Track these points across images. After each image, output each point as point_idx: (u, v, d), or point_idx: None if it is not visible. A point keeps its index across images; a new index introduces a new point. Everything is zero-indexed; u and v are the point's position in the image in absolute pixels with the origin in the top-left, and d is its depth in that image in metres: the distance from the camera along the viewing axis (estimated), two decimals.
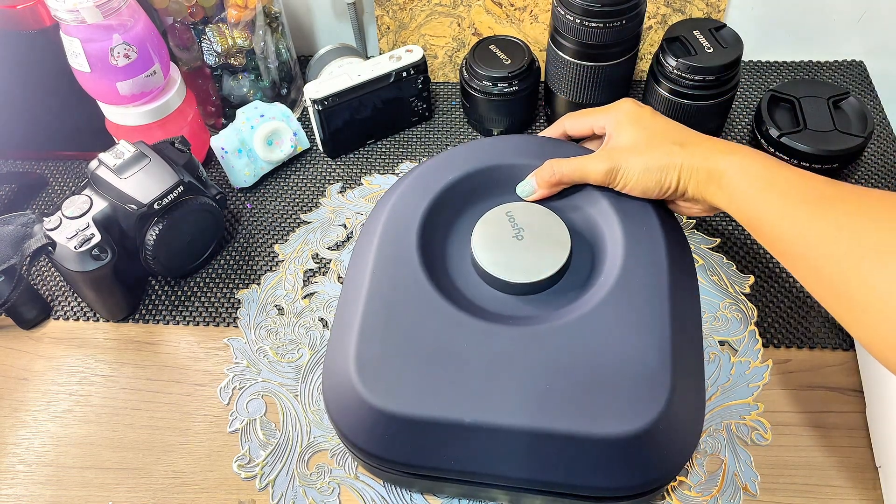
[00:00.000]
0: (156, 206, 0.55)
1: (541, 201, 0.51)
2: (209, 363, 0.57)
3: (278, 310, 0.60)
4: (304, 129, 0.71)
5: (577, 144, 0.54)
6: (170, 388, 0.56)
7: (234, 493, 0.50)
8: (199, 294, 0.61)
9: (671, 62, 0.61)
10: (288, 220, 0.66)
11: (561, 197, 0.52)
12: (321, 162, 0.71)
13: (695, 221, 0.64)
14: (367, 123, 0.70)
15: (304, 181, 0.70)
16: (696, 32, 0.62)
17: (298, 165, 0.71)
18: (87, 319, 0.60)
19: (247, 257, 0.64)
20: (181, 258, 0.60)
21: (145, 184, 0.55)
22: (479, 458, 0.42)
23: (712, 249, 0.62)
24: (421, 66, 0.69)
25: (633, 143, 0.47)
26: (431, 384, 0.42)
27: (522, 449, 0.41)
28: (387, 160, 0.71)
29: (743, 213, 0.43)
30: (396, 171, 0.70)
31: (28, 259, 0.54)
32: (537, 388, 0.42)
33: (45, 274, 0.64)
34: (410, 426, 0.42)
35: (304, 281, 0.62)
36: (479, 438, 0.41)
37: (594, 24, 0.59)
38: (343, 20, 0.80)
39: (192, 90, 0.70)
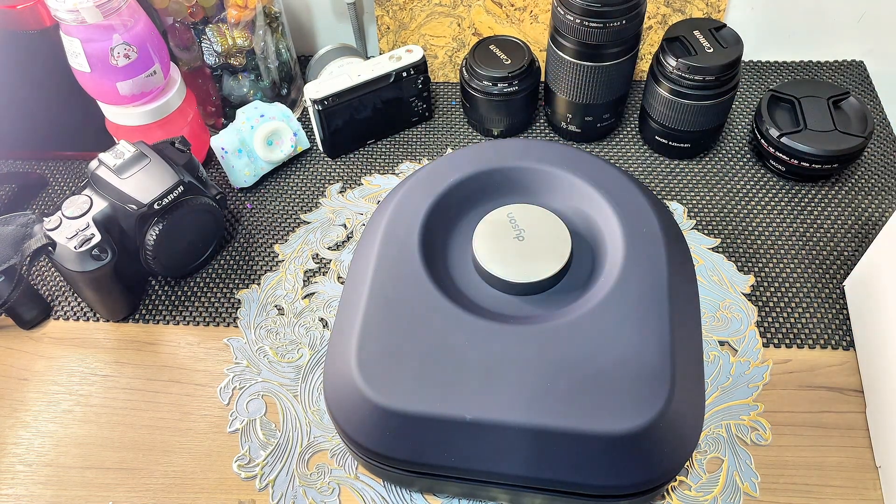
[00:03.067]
0: (156, 206, 0.55)
1: (541, 202, 0.51)
2: (209, 363, 0.57)
3: (278, 310, 0.60)
4: (304, 129, 0.71)
5: (583, 150, 0.54)
6: (170, 389, 0.56)
7: (234, 493, 0.50)
8: (199, 294, 0.61)
9: (671, 62, 0.61)
10: (288, 221, 0.66)
11: (561, 198, 0.52)
12: (321, 162, 0.71)
13: (695, 222, 0.64)
14: (367, 123, 0.70)
15: (304, 181, 0.70)
16: (696, 32, 0.62)
17: (298, 165, 0.71)
18: (87, 319, 0.60)
19: (247, 257, 0.64)
20: (181, 258, 0.60)
21: (145, 184, 0.55)
22: (479, 456, 0.42)
23: (712, 249, 0.62)
24: (421, 66, 0.69)
25: None
26: (433, 381, 0.43)
27: (523, 446, 0.41)
28: (387, 160, 0.71)
29: None
30: (396, 172, 0.70)
31: (28, 259, 0.54)
32: (538, 385, 0.42)
33: (45, 274, 0.64)
34: (411, 423, 0.42)
35: (304, 281, 0.62)
36: (480, 435, 0.42)
37: (594, 24, 0.59)
38: (343, 20, 0.80)
39: (193, 90, 0.70)
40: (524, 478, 0.42)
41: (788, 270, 0.60)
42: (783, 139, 0.63)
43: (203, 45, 0.67)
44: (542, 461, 0.41)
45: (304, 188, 0.69)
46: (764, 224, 0.63)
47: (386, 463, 0.44)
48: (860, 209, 0.64)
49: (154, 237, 0.56)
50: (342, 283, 0.61)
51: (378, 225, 0.51)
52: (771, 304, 0.58)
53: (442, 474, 0.44)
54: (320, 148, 0.72)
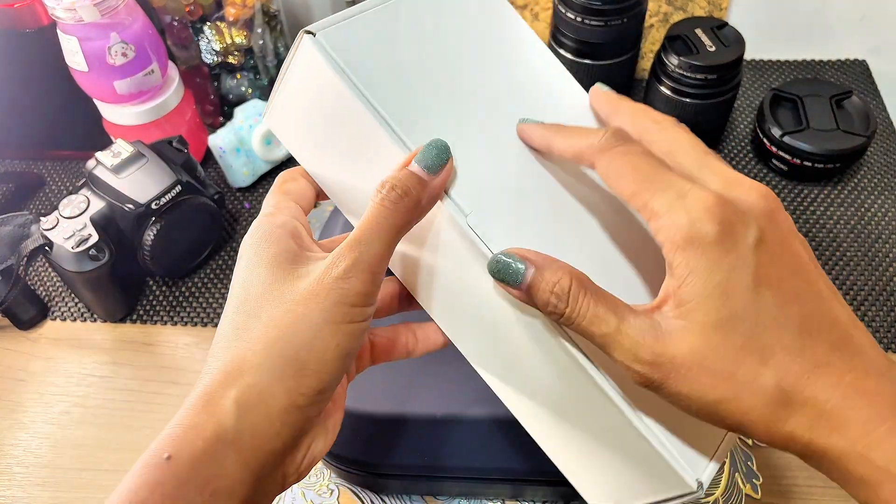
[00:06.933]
0: (153, 206, 0.55)
1: None
2: None
3: None
4: None
5: None
6: (167, 389, 0.55)
7: None
8: (196, 294, 0.61)
9: (673, 61, 0.61)
10: None
11: None
12: None
13: None
14: None
15: None
16: (697, 31, 0.62)
17: (297, 164, 0.70)
18: (85, 320, 0.60)
19: None
20: (179, 258, 0.60)
21: (143, 183, 0.55)
22: (448, 451, 0.42)
23: None
24: None
25: (700, 347, 0.25)
26: (397, 382, 0.43)
27: (494, 438, 0.42)
28: None
29: None
30: None
31: (25, 259, 0.54)
32: None
33: (43, 274, 0.64)
34: (384, 424, 0.42)
35: None
36: (451, 431, 0.42)
37: (595, 23, 0.59)
38: None
39: (190, 89, 0.69)
40: (494, 469, 0.43)
41: None
42: (785, 138, 0.62)
43: (201, 43, 0.67)
44: (505, 451, 0.42)
45: None
46: None
47: (359, 468, 0.44)
48: (863, 209, 0.63)
49: (152, 237, 0.55)
50: None
51: None
52: None
53: (410, 474, 0.44)
54: None
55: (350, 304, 0.26)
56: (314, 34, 0.28)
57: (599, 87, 0.33)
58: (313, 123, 0.31)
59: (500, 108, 0.32)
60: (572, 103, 0.34)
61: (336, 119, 0.29)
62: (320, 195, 0.33)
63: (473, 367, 0.32)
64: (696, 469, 0.29)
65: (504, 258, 0.27)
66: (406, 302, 0.33)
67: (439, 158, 0.27)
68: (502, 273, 0.27)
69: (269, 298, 0.26)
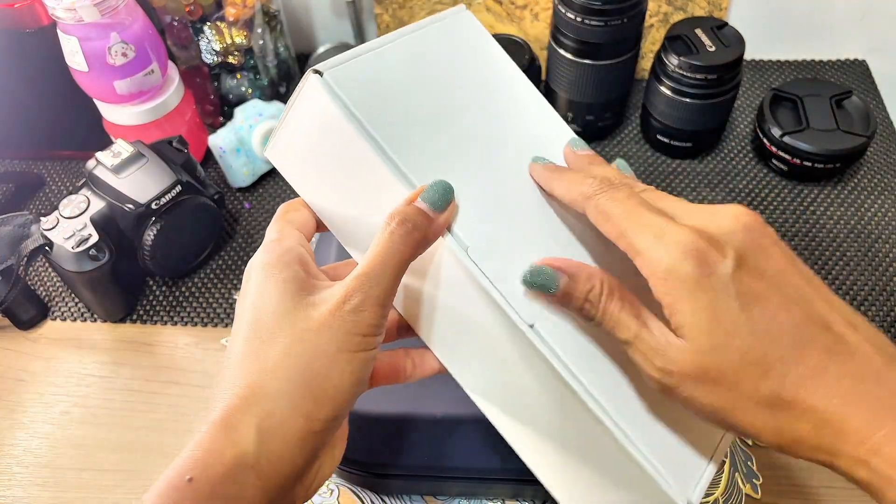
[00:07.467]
0: (153, 206, 0.55)
1: None
2: (207, 364, 0.57)
3: None
4: None
5: None
6: (168, 389, 0.55)
7: None
8: (196, 294, 0.61)
9: (673, 61, 0.61)
10: None
11: None
12: None
13: None
14: None
15: None
16: (697, 31, 0.62)
17: None
18: (85, 320, 0.60)
19: (245, 257, 0.63)
20: (179, 258, 0.60)
21: (143, 183, 0.55)
22: (448, 451, 0.43)
23: None
24: None
25: (702, 364, 0.26)
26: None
27: (494, 438, 0.42)
28: None
29: None
30: None
31: (25, 259, 0.54)
32: None
33: (43, 274, 0.64)
34: (385, 424, 0.42)
35: None
36: (451, 431, 0.42)
37: (595, 23, 0.59)
38: (342, 18, 0.80)
39: (190, 89, 0.69)
40: (491, 469, 0.43)
41: None
42: (785, 138, 0.62)
43: (201, 43, 0.67)
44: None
45: None
46: None
47: (358, 468, 0.44)
48: (863, 209, 0.63)
49: (152, 237, 0.55)
50: None
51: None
52: None
53: (412, 474, 0.44)
54: None
55: (363, 335, 0.27)
56: (321, 73, 0.29)
57: (571, 147, 0.35)
58: (317, 159, 0.31)
59: (498, 145, 0.33)
60: (559, 143, 0.36)
61: (341, 155, 0.30)
62: (320, 226, 0.33)
63: (469, 395, 0.33)
64: (686, 489, 0.30)
65: (539, 268, 0.29)
66: (404, 330, 0.34)
67: (444, 198, 0.28)
68: (538, 283, 0.29)
69: (283, 326, 0.27)
